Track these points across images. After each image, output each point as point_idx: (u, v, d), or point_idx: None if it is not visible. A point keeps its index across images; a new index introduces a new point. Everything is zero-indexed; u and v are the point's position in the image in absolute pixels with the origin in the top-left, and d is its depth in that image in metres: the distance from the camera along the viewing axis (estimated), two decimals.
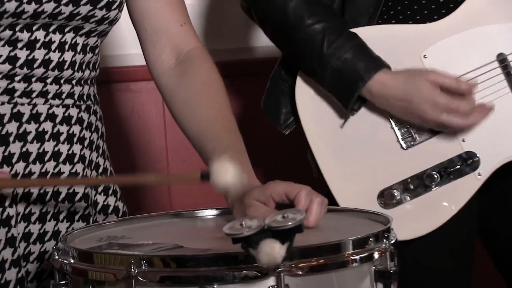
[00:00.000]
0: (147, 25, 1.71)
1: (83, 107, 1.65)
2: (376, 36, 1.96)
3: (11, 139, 1.57)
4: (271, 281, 1.22)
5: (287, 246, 1.27)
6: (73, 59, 1.62)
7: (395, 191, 1.98)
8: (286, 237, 1.27)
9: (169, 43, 1.71)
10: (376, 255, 1.28)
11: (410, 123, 1.96)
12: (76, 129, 1.64)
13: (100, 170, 1.71)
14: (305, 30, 1.95)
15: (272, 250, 1.27)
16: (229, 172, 1.34)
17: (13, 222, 1.58)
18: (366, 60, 1.94)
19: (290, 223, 1.25)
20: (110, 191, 1.73)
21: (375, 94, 1.93)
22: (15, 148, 1.57)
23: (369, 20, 1.99)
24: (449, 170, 1.96)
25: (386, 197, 1.98)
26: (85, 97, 1.66)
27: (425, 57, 1.96)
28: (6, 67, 1.56)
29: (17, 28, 1.55)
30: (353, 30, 1.97)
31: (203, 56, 1.71)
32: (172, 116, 1.71)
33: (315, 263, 1.24)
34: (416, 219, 1.98)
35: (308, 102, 2.03)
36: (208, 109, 1.66)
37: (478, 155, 1.96)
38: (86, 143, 1.66)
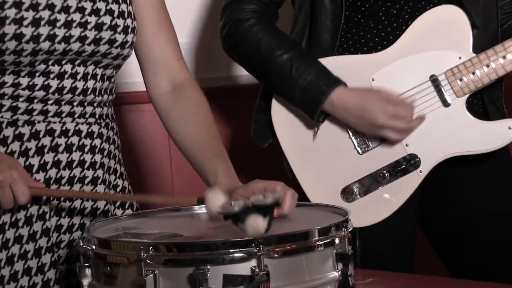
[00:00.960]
0: (150, 57, 1.71)
1: (102, 124, 1.64)
2: (333, 65, 1.94)
3: (46, 150, 1.56)
4: (253, 262, 1.20)
5: (268, 219, 1.27)
6: (94, 86, 1.60)
7: (354, 188, 1.96)
8: (267, 211, 1.28)
9: (167, 73, 1.71)
10: (337, 240, 1.27)
11: (364, 132, 1.95)
12: (97, 142, 1.62)
13: (117, 174, 1.69)
14: (275, 60, 1.93)
15: (257, 223, 1.27)
16: (219, 201, 1.36)
17: (47, 216, 1.56)
18: (327, 78, 1.92)
19: (269, 200, 1.29)
20: (126, 191, 1.72)
21: (336, 106, 1.91)
22: (48, 157, 1.56)
23: (329, 55, 1.97)
24: (397, 169, 1.94)
25: (347, 193, 1.96)
26: (104, 116, 1.65)
27: (373, 80, 1.95)
28: (41, 93, 1.55)
29: (50, 63, 1.54)
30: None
31: (193, 85, 1.72)
32: (167, 132, 1.71)
33: (288, 247, 1.23)
34: (372, 209, 1.96)
35: (282, 119, 2.00)
36: (199, 126, 1.66)
37: (418, 156, 1.94)
38: (105, 153, 1.64)
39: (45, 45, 1.51)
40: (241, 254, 1.21)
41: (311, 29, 1.99)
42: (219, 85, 2.54)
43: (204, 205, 1.40)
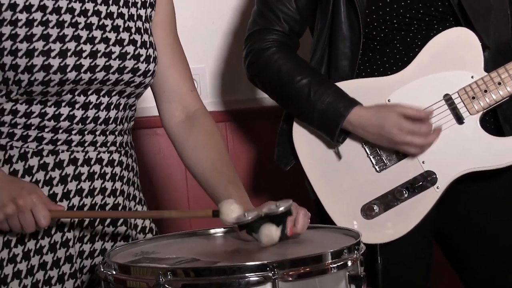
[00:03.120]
0: (165, 88, 1.73)
1: (122, 152, 1.65)
2: (349, 88, 1.96)
3: (69, 179, 1.57)
4: (269, 286, 1.22)
5: (281, 228, 1.28)
6: (116, 116, 1.62)
7: (374, 205, 1.96)
8: (280, 220, 1.29)
9: (181, 103, 1.74)
10: (349, 263, 1.28)
11: (382, 148, 1.95)
12: (117, 169, 1.63)
13: (137, 200, 1.70)
14: (295, 85, 1.96)
15: (270, 232, 1.29)
16: (233, 212, 1.37)
17: (71, 243, 1.57)
18: (344, 100, 1.93)
19: (281, 209, 1.31)
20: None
21: (355, 125, 1.92)
22: (72, 186, 1.57)
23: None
24: (414, 186, 1.94)
25: (367, 210, 1.96)
26: (124, 144, 1.66)
27: (389, 101, 1.95)
28: (66, 123, 1.56)
29: (76, 93, 1.56)
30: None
31: (206, 114, 1.75)
32: (181, 160, 1.73)
33: (302, 271, 1.24)
34: (391, 226, 1.96)
35: (303, 141, 2.02)
36: (212, 154, 1.68)
37: (435, 173, 1.94)
38: (125, 180, 1.65)
39: (71, 75, 1.53)
40: (257, 278, 1.22)
41: (330, 56, 2.01)
42: (242, 107, 2.56)
43: (219, 217, 1.40)
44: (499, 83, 1.92)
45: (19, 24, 1.51)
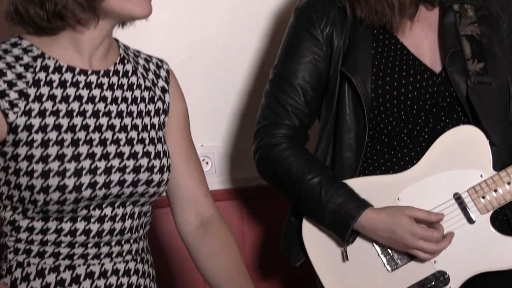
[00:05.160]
0: (178, 194, 1.74)
1: (138, 259, 1.65)
2: (358, 186, 1.95)
3: None
4: None
5: None
6: (131, 225, 1.62)
7: None
8: None
9: (195, 210, 1.74)
10: None
11: (393, 249, 1.93)
12: (134, 278, 1.63)
13: None
14: (306, 183, 1.94)
15: None
16: None
17: None
18: (355, 202, 1.91)
19: None
20: None
21: (365, 228, 1.91)
22: None
23: (353, 173, 1.98)
24: (427, 286, 1.92)
25: None
26: (140, 251, 1.66)
27: (399, 200, 1.94)
28: (82, 238, 1.57)
29: (91, 208, 1.56)
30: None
31: (220, 221, 1.75)
32: (196, 267, 1.73)
33: None
34: None
35: (313, 240, 2.00)
36: (228, 263, 1.69)
37: (447, 273, 1.92)
38: None
39: (86, 193, 1.53)
40: None
41: (335, 147, 2.01)
42: (253, 185, 2.56)
43: None
44: (508, 183, 1.92)
45: (35, 144, 1.52)
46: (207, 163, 2.52)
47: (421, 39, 2.00)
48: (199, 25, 2.47)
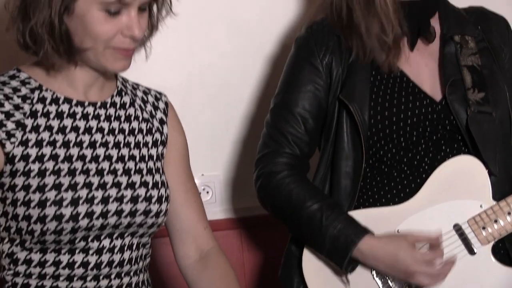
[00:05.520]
0: (178, 226, 1.73)
1: None
2: (359, 217, 1.93)
3: None
4: None
5: None
6: (130, 256, 1.61)
7: None
8: None
9: (195, 243, 1.74)
10: None
11: (394, 280, 1.91)
12: None
13: None
14: (306, 210, 1.93)
15: None
16: None
17: None
18: (355, 228, 1.90)
19: None
20: None
21: (366, 254, 1.89)
22: None
23: (350, 201, 1.97)
24: None
25: None
26: (140, 284, 1.64)
27: (398, 232, 1.92)
28: (80, 271, 1.56)
29: (89, 239, 1.55)
30: None
31: (219, 254, 1.74)
32: None
33: None
34: None
35: (313, 270, 1.98)
36: None
37: None
38: None
39: (83, 223, 1.53)
40: None
41: (333, 175, 2.00)
42: (254, 214, 2.54)
43: None
44: (509, 213, 1.90)
45: (32, 174, 1.52)
46: (207, 192, 2.51)
47: (421, 67, 2.00)
48: (199, 54, 2.47)
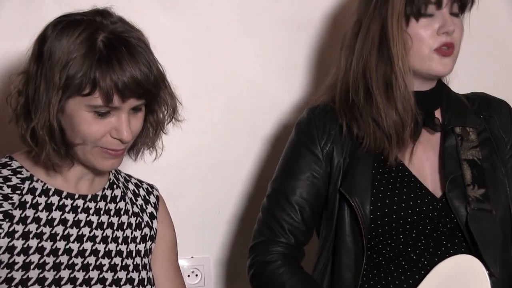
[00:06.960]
0: None
1: None
2: None
3: None
4: None
5: None
6: None
7: None
8: None
9: None
10: None
11: None
12: None
13: None
14: None
15: None
16: None
17: None
18: None
19: None
20: None
21: None
22: None
23: None
24: None
25: None
26: None
27: None
28: None
29: None
30: None
31: None
32: None
33: None
34: None
35: None
36: None
37: None
38: None
39: (65, 273, 1.51)
40: None
41: (333, 267, 1.96)
42: None
43: None
44: None
45: (16, 267, 1.50)
46: (196, 275, 2.45)
47: (423, 161, 1.97)
48: (194, 134, 2.44)
